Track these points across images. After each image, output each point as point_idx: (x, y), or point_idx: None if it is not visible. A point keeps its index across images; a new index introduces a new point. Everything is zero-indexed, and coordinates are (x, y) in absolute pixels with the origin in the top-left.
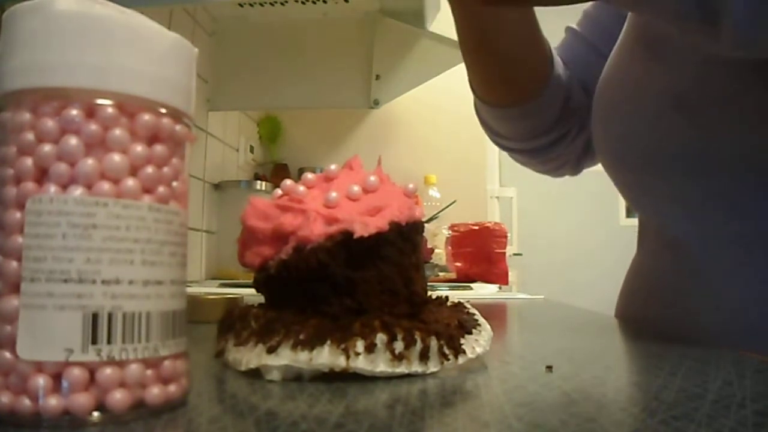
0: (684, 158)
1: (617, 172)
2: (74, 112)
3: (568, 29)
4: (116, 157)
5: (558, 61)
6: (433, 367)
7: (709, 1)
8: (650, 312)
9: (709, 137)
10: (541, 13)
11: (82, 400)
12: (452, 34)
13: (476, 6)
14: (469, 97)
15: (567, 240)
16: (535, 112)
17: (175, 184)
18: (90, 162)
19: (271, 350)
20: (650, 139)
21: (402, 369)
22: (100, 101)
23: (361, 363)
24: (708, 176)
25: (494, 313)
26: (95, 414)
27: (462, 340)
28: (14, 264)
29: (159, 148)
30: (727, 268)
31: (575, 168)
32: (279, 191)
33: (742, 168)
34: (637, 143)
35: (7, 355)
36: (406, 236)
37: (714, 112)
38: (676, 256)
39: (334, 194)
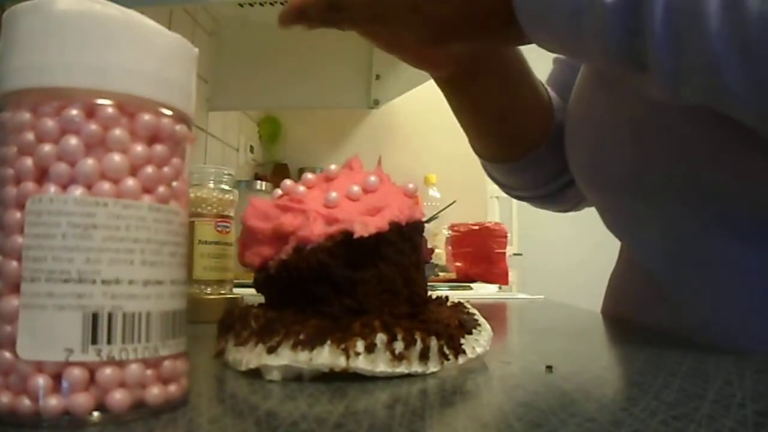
0: (642, 185)
1: (587, 192)
2: (74, 112)
3: (556, 59)
4: (116, 157)
5: (558, 104)
6: (433, 367)
7: (636, 56)
8: (626, 314)
9: (663, 167)
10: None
11: (82, 400)
12: None
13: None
14: None
15: (567, 240)
16: (541, 161)
17: (175, 184)
18: (90, 162)
19: (271, 350)
20: (611, 165)
21: (402, 369)
22: (100, 101)
23: (361, 363)
24: (667, 204)
25: (494, 313)
26: (95, 414)
27: (462, 340)
28: (14, 264)
29: (159, 148)
30: (688, 287)
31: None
32: (279, 191)
33: (696, 196)
34: (599, 168)
35: (7, 355)
36: (406, 236)
37: (666, 143)
38: (644, 275)
39: (334, 194)
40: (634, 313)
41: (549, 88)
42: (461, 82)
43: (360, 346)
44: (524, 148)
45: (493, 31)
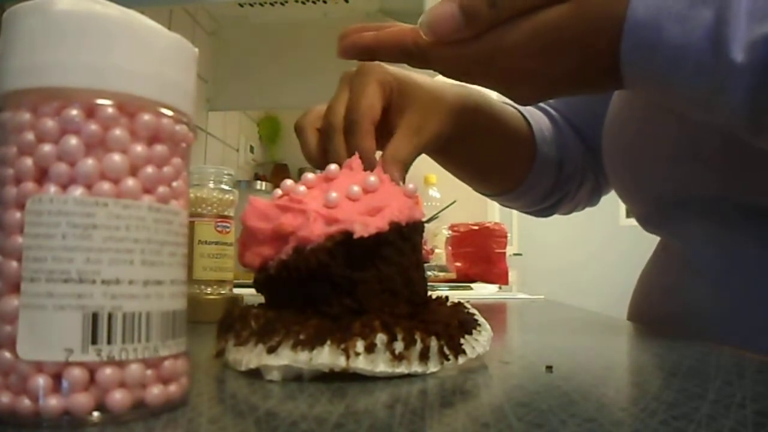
0: (705, 200)
1: (633, 204)
2: (74, 112)
3: None
4: (116, 157)
5: (543, 137)
6: (433, 367)
7: (754, 117)
8: (663, 313)
9: (730, 181)
10: None
11: (82, 400)
12: None
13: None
14: None
15: (567, 240)
16: (526, 192)
17: (175, 184)
18: (90, 162)
19: (271, 350)
20: (667, 182)
21: (402, 369)
22: (100, 101)
23: (361, 363)
24: (729, 216)
25: (494, 313)
26: (95, 414)
27: (462, 340)
28: (14, 264)
29: (159, 148)
30: (743, 287)
31: (589, 204)
32: (279, 191)
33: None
34: (653, 185)
35: (7, 355)
36: (406, 236)
37: (735, 158)
38: (696, 274)
39: (334, 194)
40: (684, 313)
41: (525, 113)
42: (446, 145)
43: (360, 346)
44: (508, 185)
45: (591, 84)
